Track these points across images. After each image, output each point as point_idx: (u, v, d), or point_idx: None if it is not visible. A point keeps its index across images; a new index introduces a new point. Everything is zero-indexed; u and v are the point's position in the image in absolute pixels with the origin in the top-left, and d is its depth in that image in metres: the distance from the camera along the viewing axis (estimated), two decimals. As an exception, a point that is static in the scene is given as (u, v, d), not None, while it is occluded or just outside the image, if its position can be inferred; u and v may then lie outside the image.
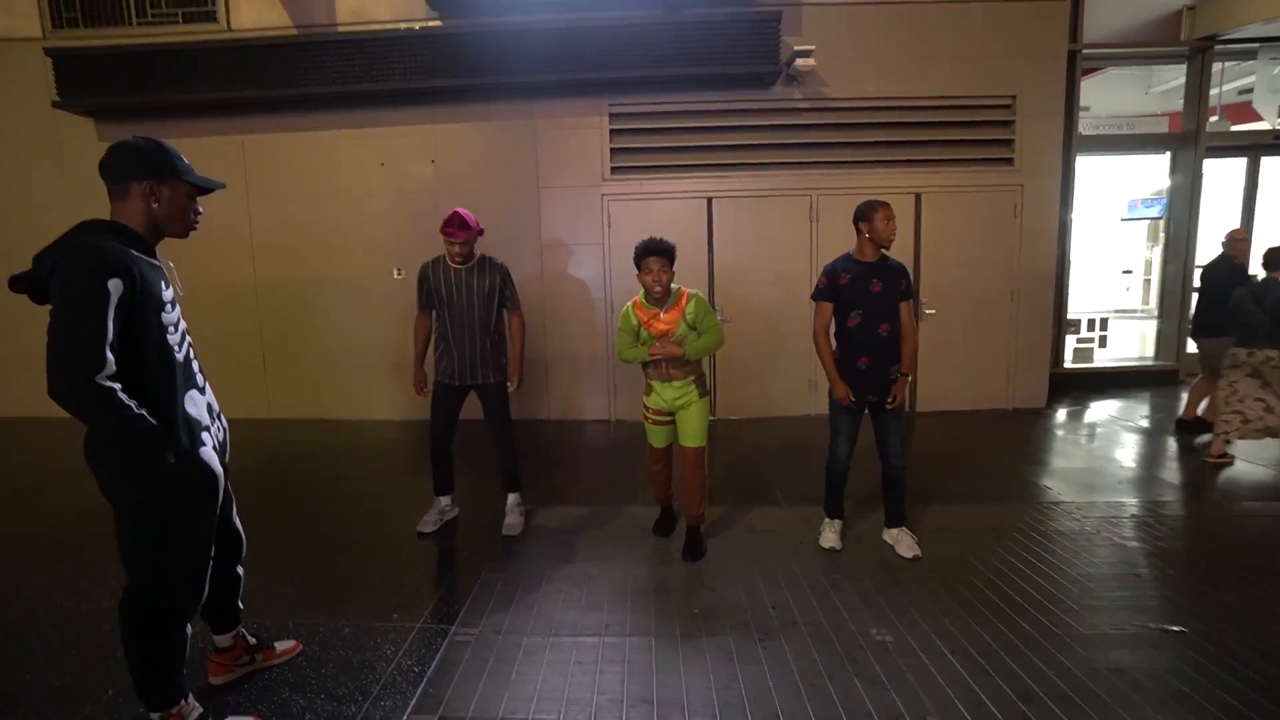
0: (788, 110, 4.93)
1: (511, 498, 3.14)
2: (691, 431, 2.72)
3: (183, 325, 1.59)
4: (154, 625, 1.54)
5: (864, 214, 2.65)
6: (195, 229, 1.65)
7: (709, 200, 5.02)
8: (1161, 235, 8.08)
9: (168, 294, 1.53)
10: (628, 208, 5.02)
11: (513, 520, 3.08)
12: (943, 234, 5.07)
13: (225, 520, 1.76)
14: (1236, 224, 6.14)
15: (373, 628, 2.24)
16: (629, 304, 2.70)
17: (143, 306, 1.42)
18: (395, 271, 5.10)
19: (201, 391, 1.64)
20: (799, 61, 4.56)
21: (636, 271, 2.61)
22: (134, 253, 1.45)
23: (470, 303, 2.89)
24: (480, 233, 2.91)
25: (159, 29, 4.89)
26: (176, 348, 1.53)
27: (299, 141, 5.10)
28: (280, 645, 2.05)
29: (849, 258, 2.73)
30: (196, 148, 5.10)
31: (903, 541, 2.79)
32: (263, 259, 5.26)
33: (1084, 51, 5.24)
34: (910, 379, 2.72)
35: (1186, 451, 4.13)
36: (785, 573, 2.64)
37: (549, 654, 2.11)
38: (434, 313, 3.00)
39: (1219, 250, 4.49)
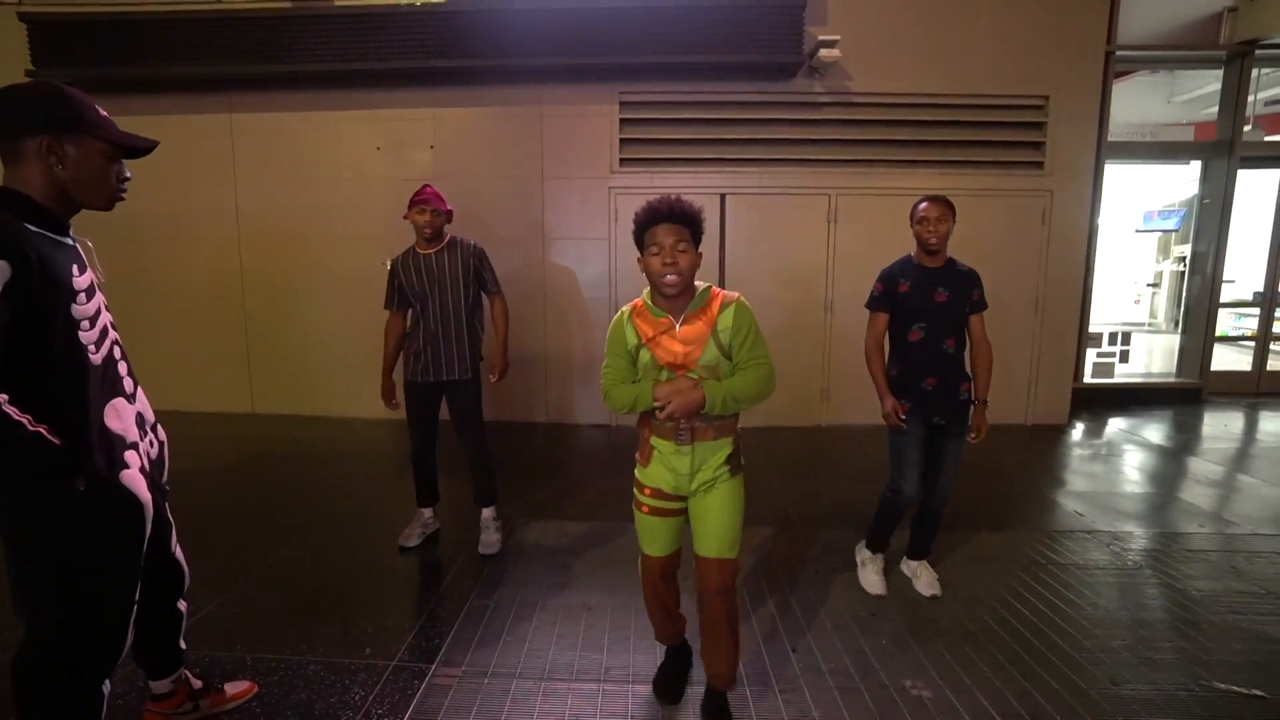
0: (809, 104, 4.67)
1: (486, 513, 2.86)
2: (717, 532, 1.63)
3: (105, 319, 1.29)
4: (60, 687, 1.24)
5: (910, 212, 2.37)
6: (122, 199, 1.31)
7: (722, 196, 4.75)
8: (1174, 248, 7.88)
9: (81, 280, 1.22)
10: (636, 201, 4.67)
11: (489, 538, 2.80)
12: (967, 239, 4.71)
13: (161, 550, 1.49)
14: (1267, 238, 5.92)
15: (341, 666, 1.98)
16: (623, 312, 1.67)
17: (42, 296, 1.13)
18: (386, 262, 4.82)
19: (130, 400, 1.35)
20: (823, 52, 4.30)
21: (638, 255, 1.65)
22: (30, 228, 1.15)
23: (443, 291, 2.64)
24: (450, 214, 2.69)
25: (145, -3, 4.61)
26: (92, 347, 1.23)
27: (291, 122, 4.83)
28: (232, 688, 1.78)
29: (909, 261, 2.40)
30: (183, 125, 4.83)
31: (922, 577, 2.53)
32: (249, 245, 4.98)
33: (1118, 53, 4.99)
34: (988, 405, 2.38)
35: (1228, 477, 3.89)
36: (804, 605, 2.38)
37: (541, 702, 1.85)
38: (407, 312, 2.75)
39: None
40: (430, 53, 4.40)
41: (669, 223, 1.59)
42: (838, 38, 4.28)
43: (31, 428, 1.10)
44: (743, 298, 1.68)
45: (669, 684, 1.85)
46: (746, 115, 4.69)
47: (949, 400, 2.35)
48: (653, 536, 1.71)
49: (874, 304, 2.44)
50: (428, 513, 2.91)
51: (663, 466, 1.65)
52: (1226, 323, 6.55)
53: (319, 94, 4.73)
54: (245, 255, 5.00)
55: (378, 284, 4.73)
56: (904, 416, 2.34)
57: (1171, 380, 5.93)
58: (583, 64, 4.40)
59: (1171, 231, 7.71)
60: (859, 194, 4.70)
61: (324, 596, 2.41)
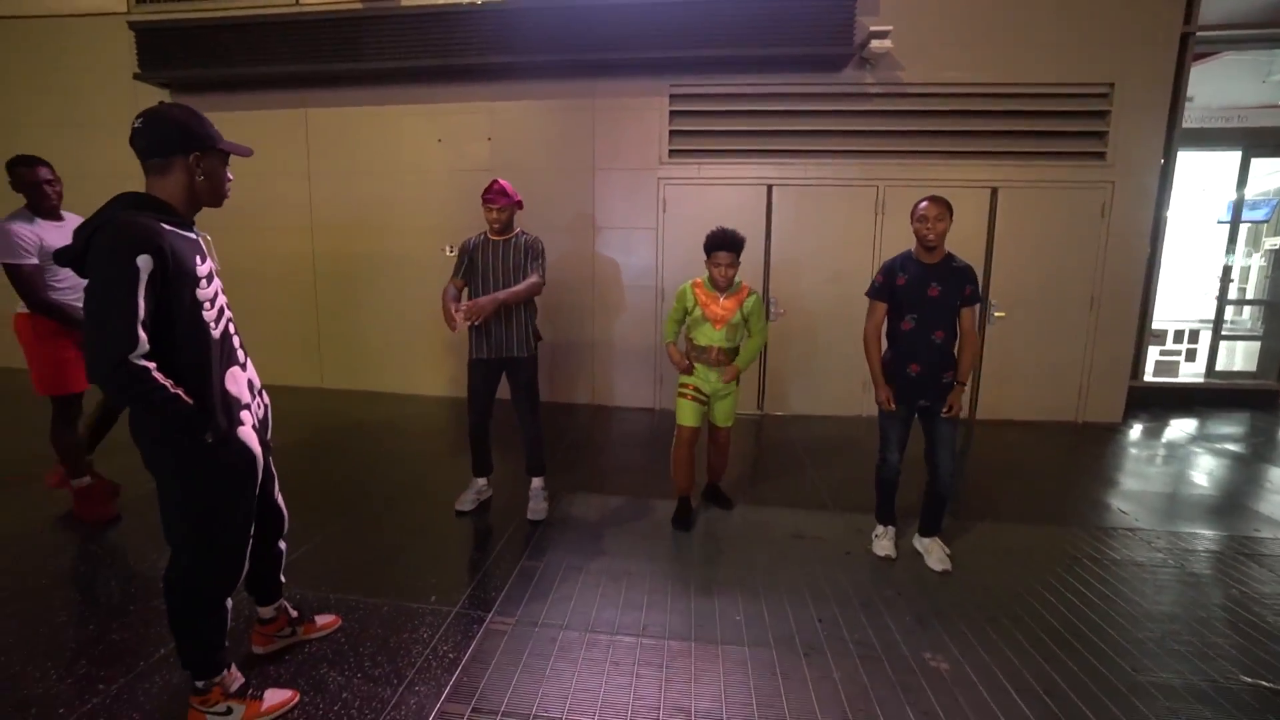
0: (858, 95, 4.66)
1: (536, 482, 3.12)
2: (725, 413, 3.00)
3: (221, 300, 1.54)
4: (195, 603, 1.55)
5: (911, 211, 2.52)
6: (228, 197, 1.59)
7: (769, 188, 4.81)
8: (1264, 240, 7.36)
9: (203, 268, 1.47)
10: (684, 193, 4.88)
11: (537, 505, 3.06)
12: (1019, 232, 4.72)
13: (267, 497, 1.76)
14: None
15: (410, 609, 2.24)
16: (688, 283, 2.90)
17: (175, 283, 1.38)
18: (447, 249, 5.12)
19: (243, 368, 1.61)
20: (874, 43, 4.28)
21: (705, 258, 2.81)
22: (165, 227, 1.40)
23: (504, 276, 2.90)
24: (519, 204, 2.92)
25: (234, 2, 5.01)
26: (213, 324, 1.48)
27: (360, 116, 5.16)
28: (320, 619, 2.07)
29: (909, 256, 2.56)
30: (263, 120, 5.23)
31: (934, 553, 2.66)
32: (321, 232, 5.37)
33: (1198, 34, 4.74)
34: (965, 388, 2.58)
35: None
36: (833, 584, 2.51)
37: (585, 651, 2.06)
38: (464, 283, 2.99)
39: None
40: (489, 49, 4.62)
41: (726, 250, 2.77)
42: (890, 28, 4.26)
43: (172, 390, 1.36)
44: (758, 293, 2.90)
45: (683, 520, 2.99)
46: (795, 107, 4.72)
47: (933, 385, 2.54)
48: (690, 413, 2.93)
49: (874, 293, 2.63)
50: (482, 481, 3.17)
51: (699, 377, 2.92)
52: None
53: (386, 90, 5.04)
54: (317, 242, 5.39)
55: (437, 269, 5.09)
56: (894, 404, 2.60)
57: (1245, 382, 5.63)
58: (634, 59, 4.53)
59: (1261, 222, 7.22)
60: (908, 185, 4.67)
61: (390, 551, 2.69)
